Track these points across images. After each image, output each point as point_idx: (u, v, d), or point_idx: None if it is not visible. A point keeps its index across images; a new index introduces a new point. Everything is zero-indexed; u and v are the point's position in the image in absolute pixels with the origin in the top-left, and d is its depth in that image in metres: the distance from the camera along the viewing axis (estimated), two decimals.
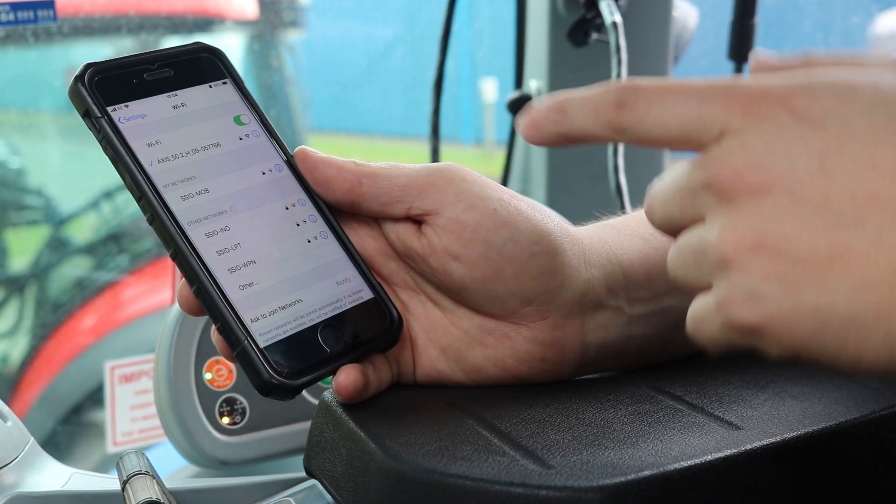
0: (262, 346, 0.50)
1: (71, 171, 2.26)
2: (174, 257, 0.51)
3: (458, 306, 0.55)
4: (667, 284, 0.57)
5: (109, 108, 0.52)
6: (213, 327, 0.52)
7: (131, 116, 0.52)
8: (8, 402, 0.67)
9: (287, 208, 0.55)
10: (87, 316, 2.05)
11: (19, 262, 2.22)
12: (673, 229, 0.44)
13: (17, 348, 2.12)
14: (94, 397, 1.88)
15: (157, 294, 2.01)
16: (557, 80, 1.21)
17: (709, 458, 0.47)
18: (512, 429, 0.50)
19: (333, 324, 0.53)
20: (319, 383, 0.74)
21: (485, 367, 0.55)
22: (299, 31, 2.23)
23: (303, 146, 0.56)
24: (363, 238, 0.56)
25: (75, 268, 2.19)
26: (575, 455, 0.47)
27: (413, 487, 0.46)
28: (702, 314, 0.43)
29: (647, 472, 0.45)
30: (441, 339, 0.55)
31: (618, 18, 1.05)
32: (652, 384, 0.57)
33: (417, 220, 0.54)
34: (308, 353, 0.51)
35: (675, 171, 0.43)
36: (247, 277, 0.51)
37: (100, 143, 0.52)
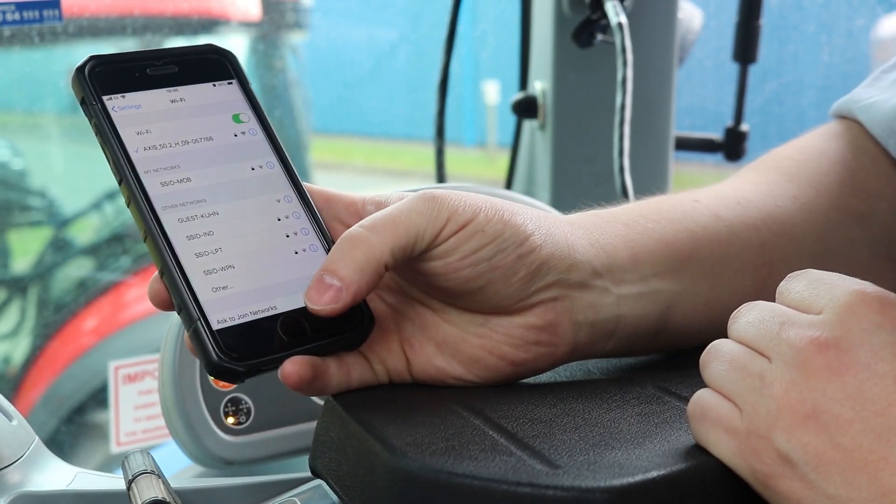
0: (214, 328, 0.51)
1: (74, 173, 2.26)
2: (144, 239, 0.53)
3: (447, 306, 0.56)
4: (652, 268, 0.58)
5: (105, 97, 0.54)
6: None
7: (125, 106, 0.55)
8: (12, 403, 0.67)
9: (271, 203, 0.56)
10: (90, 317, 2.04)
11: (22, 263, 2.21)
12: (738, 338, 0.48)
13: (20, 349, 2.12)
14: (97, 398, 1.88)
15: None
16: (562, 81, 1.21)
17: (716, 458, 0.47)
18: (519, 429, 0.50)
19: (297, 315, 0.53)
20: None
21: (482, 357, 0.55)
22: (303, 33, 2.23)
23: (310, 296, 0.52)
24: None
25: (78, 269, 2.19)
26: (582, 455, 0.47)
27: (420, 487, 0.45)
28: (717, 423, 0.47)
29: (654, 473, 0.45)
30: (435, 334, 0.56)
31: (623, 19, 1.05)
32: (658, 385, 0.57)
33: None
34: (264, 340, 0.52)
35: (781, 310, 0.47)
36: (214, 263, 0.53)
37: (92, 129, 0.55)
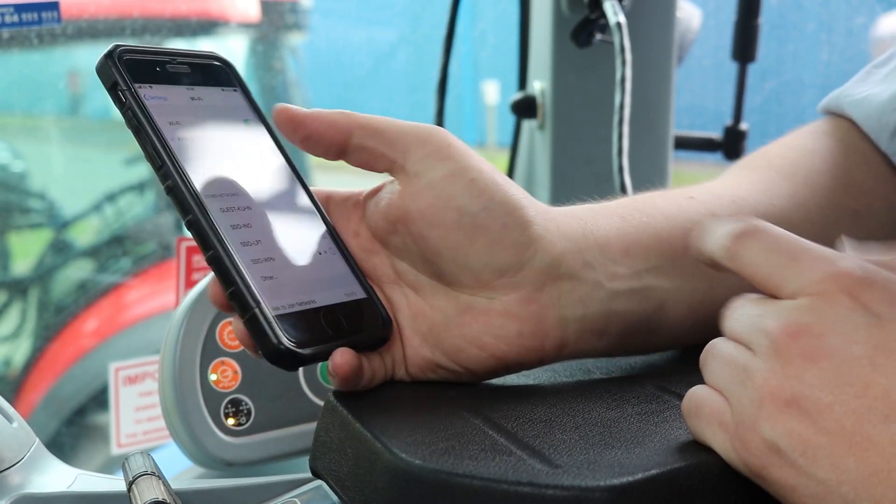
0: (271, 314, 0.51)
1: (74, 174, 2.26)
2: (190, 225, 0.53)
3: (436, 287, 0.56)
4: (646, 262, 0.58)
5: (136, 85, 0.54)
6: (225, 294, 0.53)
7: (154, 96, 0.55)
8: (12, 405, 0.67)
9: (290, 204, 0.57)
10: (91, 318, 2.05)
11: (22, 265, 2.22)
12: (728, 334, 0.48)
13: (20, 351, 2.12)
14: (98, 399, 1.88)
15: (160, 297, 2.01)
16: (561, 80, 1.21)
17: (716, 456, 0.47)
18: (518, 428, 0.50)
19: (334, 311, 0.54)
20: (323, 383, 0.75)
21: (464, 347, 0.55)
22: (302, 34, 2.23)
23: (281, 104, 0.56)
24: (346, 235, 0.58)
25: (78, 270, 2.19)
26: (582, 454, 0.47)
27: (420, 487, 0.46)
28: (710, 418, 0.47)
29: (654, 472, 0.45)
30: (422, 325, 0.56)
31: (622, 19, 1.05)
32: (657, 384, 0.57)
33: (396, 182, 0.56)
34: (312, 330, 0.53)
35: (760, 301, 0.47)
36: (258, 254, 0.53)
37: (124, 114, 0.54)
